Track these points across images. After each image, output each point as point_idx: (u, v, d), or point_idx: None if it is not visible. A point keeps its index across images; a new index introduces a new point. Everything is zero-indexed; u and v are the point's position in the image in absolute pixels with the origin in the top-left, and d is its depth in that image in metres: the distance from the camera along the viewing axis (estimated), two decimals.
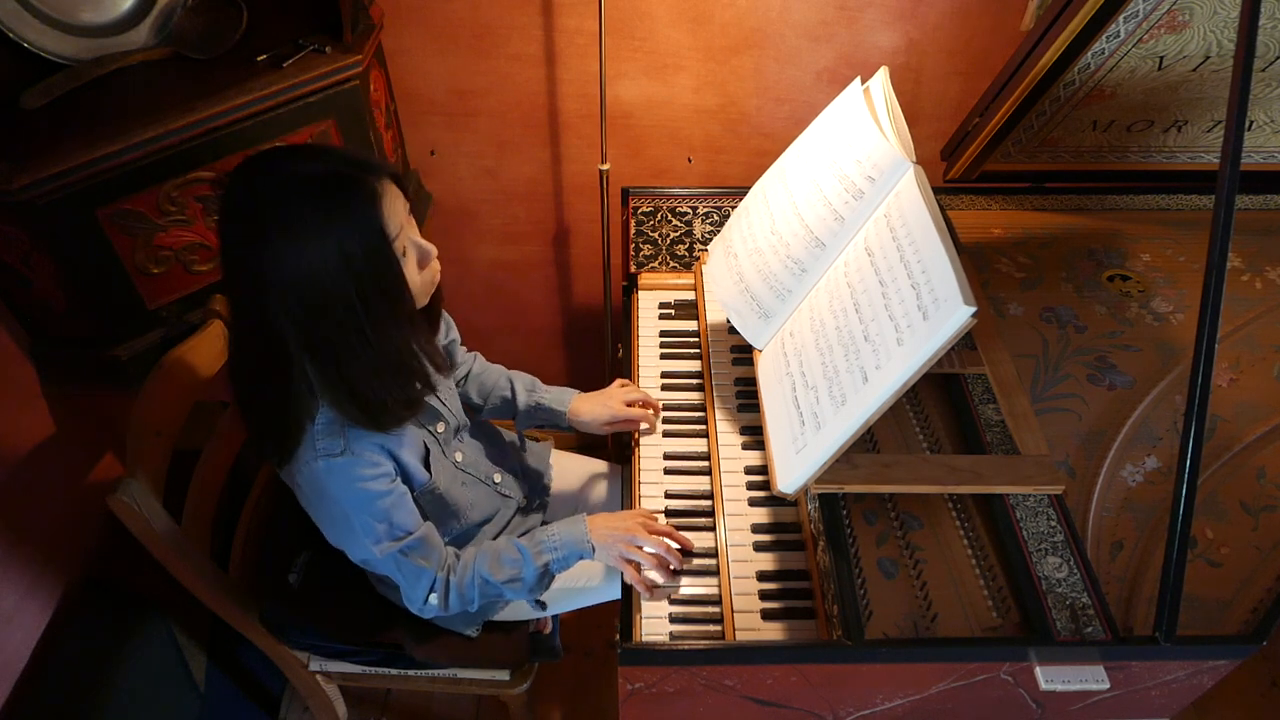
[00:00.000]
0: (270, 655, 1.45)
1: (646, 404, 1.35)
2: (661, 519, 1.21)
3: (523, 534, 1.26)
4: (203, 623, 1.72)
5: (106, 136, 1.16)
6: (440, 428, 1.23)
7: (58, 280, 1.23)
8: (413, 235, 1.03)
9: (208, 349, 1.30)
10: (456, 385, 1.41)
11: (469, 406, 1.42)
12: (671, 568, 1.14)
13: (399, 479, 1.11)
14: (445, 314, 1.31)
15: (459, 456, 1.28)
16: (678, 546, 1.17)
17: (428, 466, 1.17)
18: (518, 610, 1.40)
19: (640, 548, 1.15)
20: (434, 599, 1.17)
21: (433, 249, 1.05)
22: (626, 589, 1.14)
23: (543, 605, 1.36)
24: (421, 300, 1.06)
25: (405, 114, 1.72)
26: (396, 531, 1.10)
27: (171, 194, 1.24)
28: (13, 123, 1.18)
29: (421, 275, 1.04)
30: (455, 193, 1.86)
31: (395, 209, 0.98)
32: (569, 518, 1.23)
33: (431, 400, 1.21)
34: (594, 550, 1.19)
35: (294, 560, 1.40)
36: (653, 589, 1.13)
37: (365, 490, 1.06)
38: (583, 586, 1.42)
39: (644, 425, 1.33)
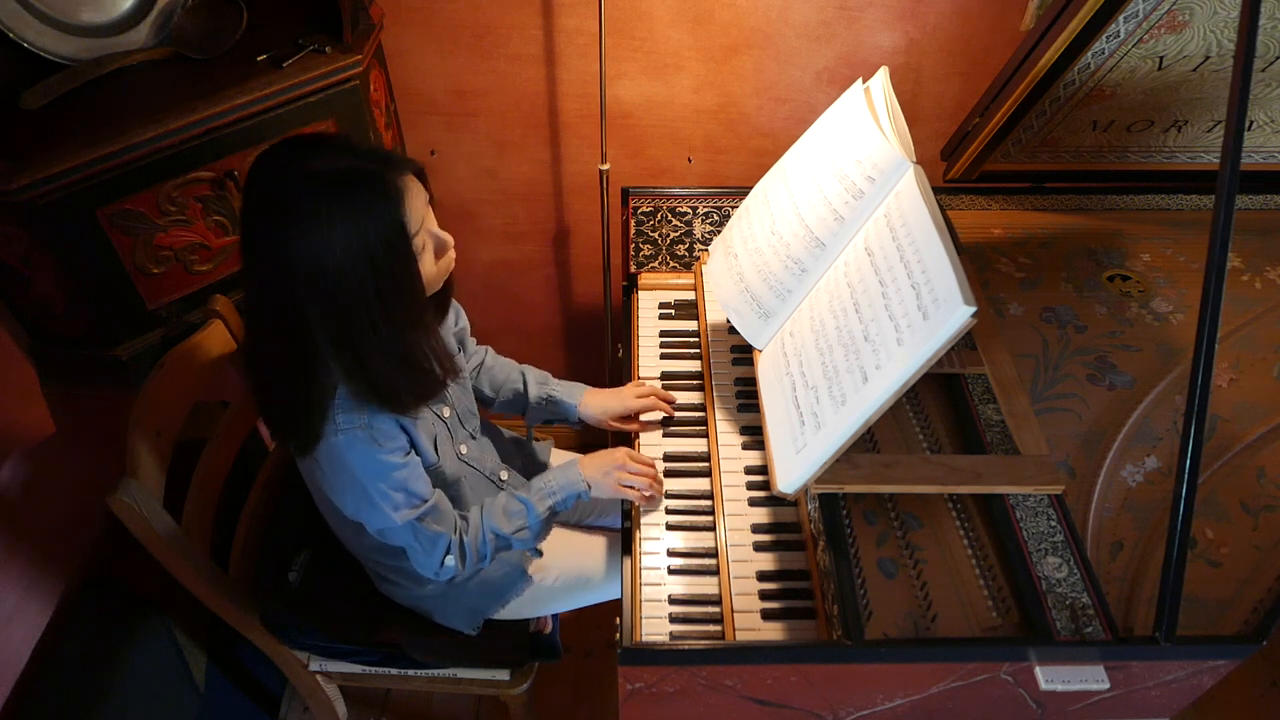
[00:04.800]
0: (270, 655, 1.45)
1: (659, 396, 1.36)
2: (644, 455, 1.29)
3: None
4: (203, 623, 1.72)
5: (106, 136, 1.16)
6: (446, 412, 1.25)
7: (58, 280, 1.23)
8: (431, 227, 1.06)
9: (208, 349, 1.30)
10: (470, 376, 1.42)
11: (481, 399, 1.44)
12: (648, 494, 1.22)
13: (412, 451, 1.14)
14: (455, 302, 1.32)
15: (463, 449, 1.29)
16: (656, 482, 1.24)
17: (435, 449, 1.20)
18: (518, 610, 1.40)
19: (632, 474, 1.22)
20: (450, 560, 1.20)
21: (450, 239, 1.08)
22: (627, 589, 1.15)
23: (539, 553, 1.39)
24: (433, 288, 1.10)
25: (405, 114, 1.72)
26: (414, 500, 1.13)
27: (171, 194, 1.24)
28: (13, 123, 1.18)
29: (437, 265, 1.08)
30: (455, 193, 1.86)
31: (416, 205, 1.01)
32: (561, 464, 1.28)
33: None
34: (590, 487, 1.24)
35: (294, 559, 1.40)
36: (650, 502, 1.22)
37: (383, 461, 1.09)
38: (583, 586, 1.43)
39: (655, 414, 1.35)
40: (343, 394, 1.06)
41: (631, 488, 1.22)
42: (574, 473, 1.26)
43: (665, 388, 1.40)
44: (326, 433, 1.06)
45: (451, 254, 1.10)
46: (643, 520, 1.22)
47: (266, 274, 0.99)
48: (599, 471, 1.24)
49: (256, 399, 1.12)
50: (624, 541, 1.20)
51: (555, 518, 1.28)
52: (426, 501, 1.15)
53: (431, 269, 1.06)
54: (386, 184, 0.97)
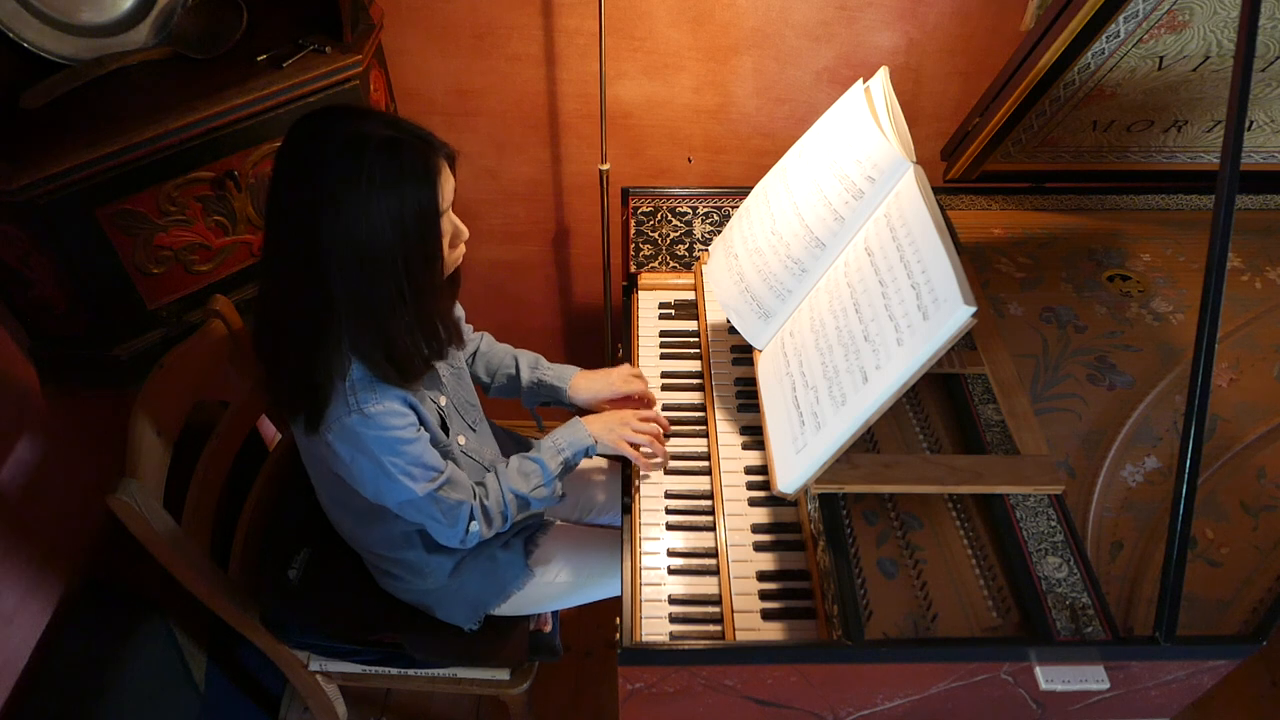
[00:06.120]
0: (270, 655, 1.45)
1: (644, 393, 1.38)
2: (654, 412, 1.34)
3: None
4: (203, 623, 1.72)
5: (106, 136, 1.16)
6: (442, 400, 1.26)
7: (58, 280, 1.23)
8: (453, 215, 1.09)
9: (208, 349, 1.30)
10: (466, 363, 1.43)
11: (478, 385, 1.45)
12: (655, 460, 1.27)
13: (421, 428, 1.17)
14: None
15: (462, 440, 1.29)
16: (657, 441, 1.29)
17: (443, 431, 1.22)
18: (518, 605, 1.40)
19: (636, 431, 1.27)
20: (475, 526, 1.23)
21: (465, 231, 1.12)
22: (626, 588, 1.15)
23: (562, 496, 1.41)
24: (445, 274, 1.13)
25: (405, 114, 1.70)
26: (430, 472, 1.16)
27: (171, 194, 1.24)
28: (13, 123, 1.18)
29: (451, 254, 1.11)
30: (456, 193, 1.86)
31: (447, 188, 1.05)
32: (567, 423, 1.32)
33: (439, 370, 1.25)
34: (595, 442, 1.29)
35: (294, 558, 1.40)
36: (651, 463, 1.26)
37: (397, 437, 1.11)
38: (583, 583, 1.43)
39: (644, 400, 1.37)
40: (357, 375, 1.07)
41: (636, 445, 1.26)
42: (580, 429, 1.29)
43: (665, 388, 1.40)
44: (340, 414, 1.07)
45: (463, 247, 1.13)
46: (643, 520, 1.22)
47: (295, 235, 1.00)
48: (604, 428, 1.28)
49: (265, 374, 1.13)
50: (624, 531, 1.20)
51: (568, 473, 1.31)
52: (442, 472, 1.18)
53: (446, 255, 1.09)
54: (427, 158, 1.01)
